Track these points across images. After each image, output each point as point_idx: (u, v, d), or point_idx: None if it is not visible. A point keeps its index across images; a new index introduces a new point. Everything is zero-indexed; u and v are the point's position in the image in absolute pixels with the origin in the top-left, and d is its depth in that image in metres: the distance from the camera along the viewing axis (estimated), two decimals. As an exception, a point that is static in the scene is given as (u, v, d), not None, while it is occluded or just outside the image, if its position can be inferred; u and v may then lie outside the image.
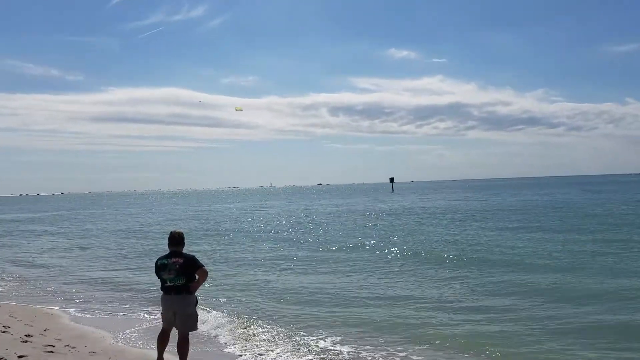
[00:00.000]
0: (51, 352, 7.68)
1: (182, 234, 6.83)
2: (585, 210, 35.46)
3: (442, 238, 22.72)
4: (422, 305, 10.83)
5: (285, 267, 16.74)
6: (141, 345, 8.49)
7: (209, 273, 6.75)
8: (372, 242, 21.89)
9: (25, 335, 8.52)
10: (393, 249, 19.38)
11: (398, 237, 23.63)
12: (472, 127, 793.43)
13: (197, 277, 6.57)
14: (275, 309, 10.86)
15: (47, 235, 33.40)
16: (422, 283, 13.24)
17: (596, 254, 16.37)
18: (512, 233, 23.56)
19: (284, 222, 37.41)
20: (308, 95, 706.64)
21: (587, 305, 10.22)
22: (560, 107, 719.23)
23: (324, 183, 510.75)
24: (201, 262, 6.66)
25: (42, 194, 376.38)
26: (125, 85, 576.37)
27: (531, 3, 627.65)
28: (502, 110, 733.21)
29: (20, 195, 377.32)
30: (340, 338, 8.62)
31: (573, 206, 40.86)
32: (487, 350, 7.78)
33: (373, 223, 32.87)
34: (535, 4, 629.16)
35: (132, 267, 17.96)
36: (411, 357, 7.71)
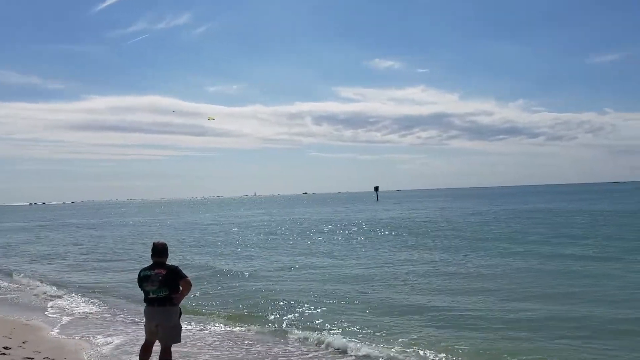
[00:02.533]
0: (29, 364, 7.55)
1: (165, 244, 6.75)
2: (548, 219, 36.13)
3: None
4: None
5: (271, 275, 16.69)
6: (123, 357, 8.36)
7: (192, 284, 6.70)
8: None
9: (4, 348, 8.35)
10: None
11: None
12: (454, 137, 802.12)
13: (180, 288, 6.51)
14: (264, 321, 10.79)
15: (27, 244, 32.84)
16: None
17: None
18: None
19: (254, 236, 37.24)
20: (293, 104, 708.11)
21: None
22: (541, 117, 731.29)
23: (309, 192, 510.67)
24: (184, 273, 6.61)
25: (19, 204, 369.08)
26: (107, 93, 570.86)
27: (513, 14, 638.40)
28: (484, 120, 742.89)
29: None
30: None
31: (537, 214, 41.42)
32: None
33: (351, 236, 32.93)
34: (516, 15, 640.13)
35: (114, 277, 17.72)
36: None
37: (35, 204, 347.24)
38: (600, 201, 67.27)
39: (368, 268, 17.59)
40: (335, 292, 13.33)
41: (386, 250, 22.30)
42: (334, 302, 12.17)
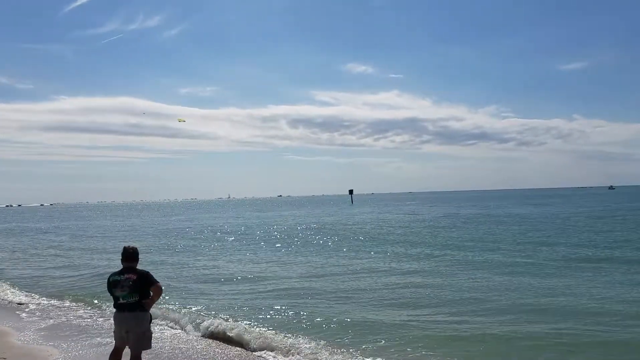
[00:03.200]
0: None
1: (136, 249, 6.64)
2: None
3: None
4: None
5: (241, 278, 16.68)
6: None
7: (163, 289, 6.66)
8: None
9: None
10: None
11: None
12: (427, 141, 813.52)
13: (151, 294, 6.44)
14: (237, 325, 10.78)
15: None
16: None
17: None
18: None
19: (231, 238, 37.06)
20: (267, 107, 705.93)
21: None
22: (511, 123, 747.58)
23: (284, 195, 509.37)
24: (155, 278, 6.57)
25: None
26: (77, 94, 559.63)
27: (484, 20, 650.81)
28: (455, 125, 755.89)
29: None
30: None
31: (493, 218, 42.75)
32: None
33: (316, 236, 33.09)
34: (486, 21, 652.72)
35: (83, 282, 17.40)
36: None
37: (10, 206, 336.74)
38: (564, 205, 69.17)
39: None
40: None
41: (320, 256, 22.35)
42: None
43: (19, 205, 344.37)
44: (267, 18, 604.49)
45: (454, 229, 34.62)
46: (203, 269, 19.61)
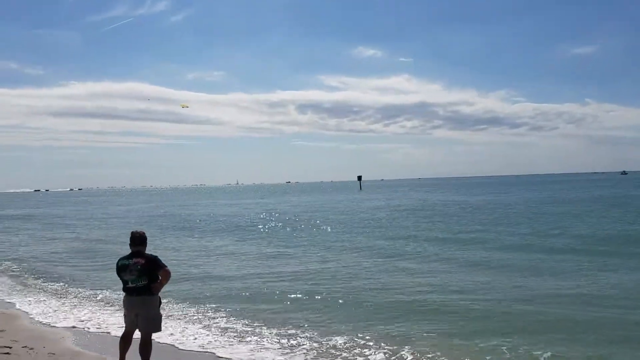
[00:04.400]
0: (7, 353, 7.51)
1: (143, 233, 6.72)
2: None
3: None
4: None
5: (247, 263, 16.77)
6: (102, 347, 8.36)
7: (171, 273, 6.71)
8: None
9: (-20, 337, 8.30)
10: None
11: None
12: (437, 127, 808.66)
13: (160, 277, 6.49)
14: (244, 309, 10.85)
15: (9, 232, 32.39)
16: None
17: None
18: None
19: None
20: (275, 92, 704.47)
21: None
22: (522, 108, 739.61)
23: (292, 181, 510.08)
24: (164, 262, 6.61)
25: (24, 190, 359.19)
26: (86, 79, 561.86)
27: (494, 3, 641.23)
28: (466, 110, 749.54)
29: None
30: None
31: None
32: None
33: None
34: (498, 4, 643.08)
35: (94, 266, 17.59)
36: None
37: (39, 190, 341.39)
38: (577, 191, 68.59)
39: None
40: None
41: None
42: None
43: (47, 190, 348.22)
44: (274, 2, 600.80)
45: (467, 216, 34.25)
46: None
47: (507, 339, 8.24)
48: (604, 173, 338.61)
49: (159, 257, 6.61)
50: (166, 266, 6.55)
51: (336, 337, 8.55)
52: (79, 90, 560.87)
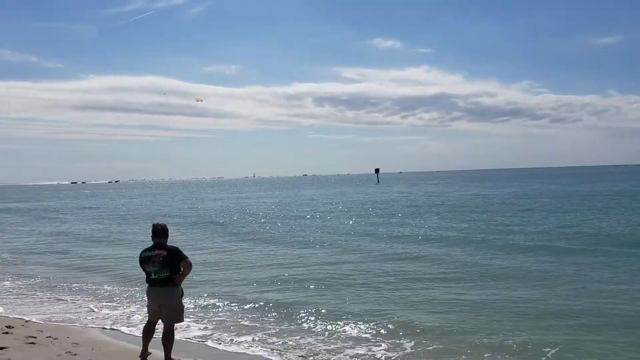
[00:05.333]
0: (33, 343, 7.62)
1: (165, 225, 6.80)
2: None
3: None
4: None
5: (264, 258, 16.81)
6: (125, 337, 8.44)
7: (193, 265, 6.74)
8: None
9: (6, 327, 8.43)
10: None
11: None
12: (457, 118, 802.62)
13: (181, 269, 6.54)
14: (265, 301, 10.86)
15: (26, 224, 33.03)
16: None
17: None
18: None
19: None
20: (292, 85, 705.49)
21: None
22: (544, 99, 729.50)
23: (309, 174, 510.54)
24: (185, 254, 6.65)
25: (52, 182, 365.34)
26: (105, 73, 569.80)
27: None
28: (487, 101, 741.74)
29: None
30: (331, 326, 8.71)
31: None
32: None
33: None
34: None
35: (117, 257, 17.80)
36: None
37: (75, 182, 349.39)
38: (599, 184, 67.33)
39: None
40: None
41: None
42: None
43: (83, 182, 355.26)
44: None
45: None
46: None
47: (515, 333, 8.13)
48: (627, 166, 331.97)
49: (180, 249, 6.68)
50: (187, 257, 6.60)
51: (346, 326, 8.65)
52: (98, 84, 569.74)
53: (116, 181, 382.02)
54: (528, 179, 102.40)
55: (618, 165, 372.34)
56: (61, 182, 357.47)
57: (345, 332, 8.49)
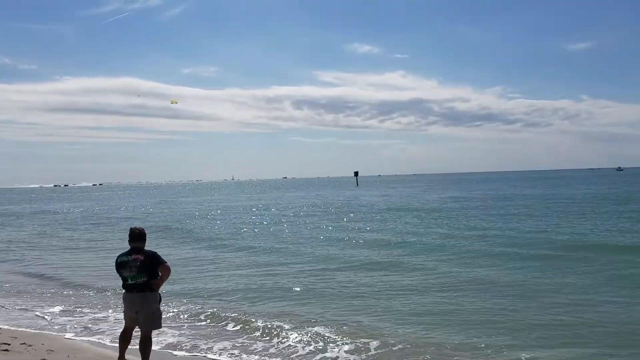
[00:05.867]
0: (6, 350, 7.48)
1: (142, 230, 6.66)
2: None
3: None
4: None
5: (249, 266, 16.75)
6: (101, 344, 8.34)
7: (171, 270, 6.68)
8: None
9: (-21, 335, 8.26)
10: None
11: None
12: (433, 123, 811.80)
13: (160, 274, 6.47)
14: (245, 310, 10.84)
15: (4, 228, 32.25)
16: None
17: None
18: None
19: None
20: (271, 88, 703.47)
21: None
22: (517, 104, 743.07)
23: (289, 177, 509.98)
24: (164, 258, 6.57)
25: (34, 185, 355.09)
26: (80, 74, 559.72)
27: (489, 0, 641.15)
28: (461, 106, 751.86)
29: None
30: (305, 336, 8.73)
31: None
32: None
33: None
34: (492, 0, 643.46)
35: (93, 262, 17.52)
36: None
37: (59, 185, 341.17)
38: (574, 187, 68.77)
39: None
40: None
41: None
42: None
43: (66, 185, 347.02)
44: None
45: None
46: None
47: (490, 338, 8.25)
48: (600, 169, 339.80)
49: (158, 253, 6.57)
50: (166, 262, 6.52)
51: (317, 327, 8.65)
52: (73, 85, 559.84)
53: (100, 184, 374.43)
54: (502, 183, 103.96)
55: (592, 169, 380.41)
56: (44, 185, 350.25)
57: (314, 340, 8.45)
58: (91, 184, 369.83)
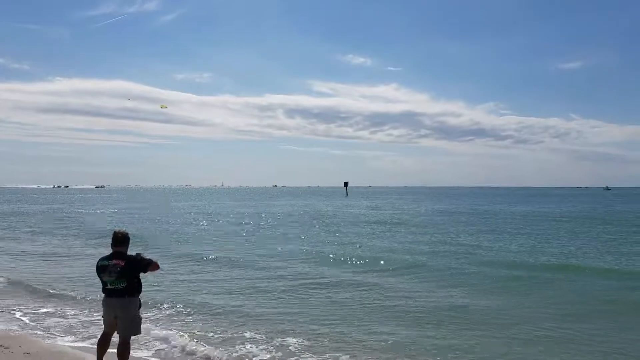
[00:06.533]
0: (-18, 352, 7.38)
1: (126, 234, 6.55)
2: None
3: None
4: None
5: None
6: (80, 348, 8.25)
7: (159, 266, 6.59)
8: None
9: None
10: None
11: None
12: (424, 136, 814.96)
13: (140, 280, 6.42)
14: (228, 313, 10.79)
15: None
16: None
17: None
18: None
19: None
20: (264, 96, 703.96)
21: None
22: (508, 120, 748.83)
23: (279, 185, 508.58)
24: (148, 258, 6.46)
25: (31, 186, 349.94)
26: (73, 75, 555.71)
27: (483, 17, 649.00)
28: (453, 121, 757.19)
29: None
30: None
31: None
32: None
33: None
34: (487, 18, 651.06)
35: (74, 265, 17.35)
36: None
37: (59, 186, 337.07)
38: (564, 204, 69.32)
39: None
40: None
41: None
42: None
43: (66, 187, 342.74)
44: (266, 5, 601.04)
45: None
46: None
47: (466, 342, 8.40)
48: (588, 188, 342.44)
49: (142, 255, 6.46)
50: (151, 263, 6.44)
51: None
52: (65, 87, 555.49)
53: (102, 186, 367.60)
54: (491, 198, 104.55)
55: (579, 187, 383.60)
56: (41, 186, 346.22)
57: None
58: (94, 186, 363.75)
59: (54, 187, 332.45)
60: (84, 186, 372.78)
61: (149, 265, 6.42)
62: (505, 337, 9.01)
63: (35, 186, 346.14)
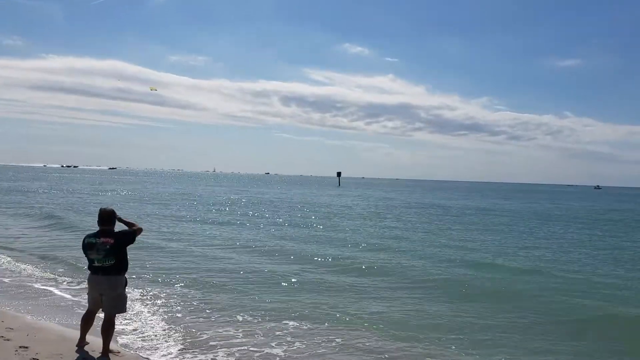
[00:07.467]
0: (-37, 326, 7.27)
1: (112, 211, 6.43)
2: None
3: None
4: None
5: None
6: (63, 324, 8.15)
7: (142, 230, 6.71)
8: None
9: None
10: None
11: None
12: (419, 129, 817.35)
13: (126, 256, 6.41)
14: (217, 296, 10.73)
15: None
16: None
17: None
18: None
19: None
20: (258, 82, 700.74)
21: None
22: (503, 116, 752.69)
23: (272, 172, 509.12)
24: (133, 227, 6.54)
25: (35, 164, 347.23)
26: (66, 53, 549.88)
27: (481, 13, 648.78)
28: (448, 114, 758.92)
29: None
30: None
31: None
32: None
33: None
34: (485, 14, 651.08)
35: (58, 241, 17.21)
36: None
37: (64, 166, 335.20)
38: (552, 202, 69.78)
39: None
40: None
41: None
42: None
43: (75, 167, 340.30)
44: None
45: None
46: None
47: (459, 337, 8.39)
48: (578, 186, 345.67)
49: (128, 229, 6.51)
50: (135, 230, 6.51)
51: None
52: (58, 64, 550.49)
53: (113, 168, 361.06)
54: (484, 193, 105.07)
55: (570, 185, 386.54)
56: (48, 165, 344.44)
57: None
58: (107, 167, 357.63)
59: (62, 166, 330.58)
60: (97, 167, 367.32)
61: (135, 233, 6.48)
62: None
63: (41, 165, 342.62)
